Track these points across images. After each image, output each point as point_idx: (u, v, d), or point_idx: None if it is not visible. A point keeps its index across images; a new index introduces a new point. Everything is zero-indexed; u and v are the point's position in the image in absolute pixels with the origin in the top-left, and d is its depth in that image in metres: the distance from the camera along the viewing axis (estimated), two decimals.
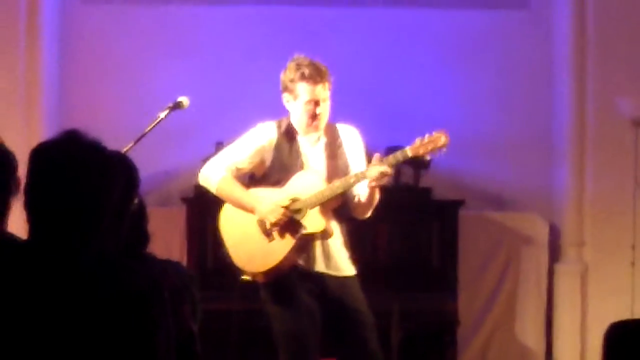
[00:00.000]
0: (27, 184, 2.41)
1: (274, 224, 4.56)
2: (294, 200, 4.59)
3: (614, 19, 6.76)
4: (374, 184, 4.49)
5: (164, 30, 6.96)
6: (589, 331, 6.69)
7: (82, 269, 2.33)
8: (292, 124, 4.67)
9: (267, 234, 4.59)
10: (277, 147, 4.66)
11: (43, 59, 6.73)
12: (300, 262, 4.60)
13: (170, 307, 2.38)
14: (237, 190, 4.65)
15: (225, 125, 5.94)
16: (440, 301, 6.24)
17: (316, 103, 4.58)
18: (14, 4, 6.66)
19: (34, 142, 2.47)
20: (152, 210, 3.42)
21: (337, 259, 4.64)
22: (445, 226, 6.44)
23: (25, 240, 2.43)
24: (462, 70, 6.96)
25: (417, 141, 4.52)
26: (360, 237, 4.96)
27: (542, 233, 6.82)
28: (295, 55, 4.65)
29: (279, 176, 4.65)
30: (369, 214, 4.68)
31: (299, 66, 4.58)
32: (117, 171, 2.45)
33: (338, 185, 4.55)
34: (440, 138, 4.52)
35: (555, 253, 6.89)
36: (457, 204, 6.51)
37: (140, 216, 3.25)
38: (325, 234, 4.59)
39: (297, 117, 4.64)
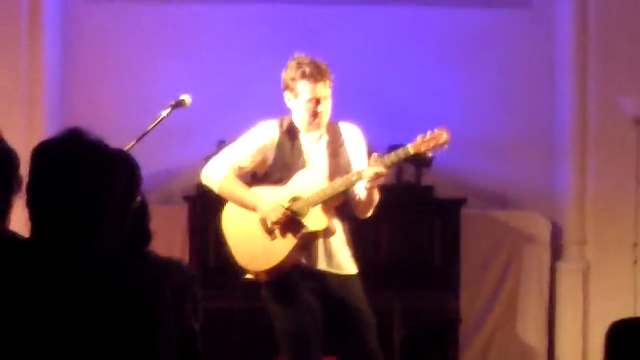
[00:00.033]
0: (29, 182, 2.41)
1: (275, 223, 4.56)
2: (295, 199, 4.59)
3: (615, 18, 6.76)
4: (369, 184, 4.49)
5: (165, 28, 6.96)
6: (590, 329, 6.69)
7: (84, 267, 2.33)
8: (293, 123, 4.67)
9: (269, 232, 4.59)
10: (279, 146, 4.66)
11: (45, 57, 6.74)
12: (302, 260, 4.60)
13: (172, 305, 2.38)
14: (239, 189, 4.65)
15: (227, 123, 5.95)
16: (442, 299, 6.25)
17: (317, 101, 4.59)
18: (16, 2, 6.66)
19: (36, 141, 2.47)
20: (154, 209, 3.42)
21: (339, 258, 4.64)
22: (447, 224, 6.44)
23: (27, 239, 2.43)
24: (464, 69, 6.96)
25: (419, 138, 4.52)
26: (361, 235, 4.96)
27: (544, 231, 6.82)
28: (296, 54, 4.65)
29: (281, 174, 4.65)
30: (369, 213, 4.68)
31: (299, 65, 4.59)
32: (119, 169, 2.45)
33: (340, 183, 4.55)
34: (442, 135, 4.52)
35: (557, 251, 6.89)
36: (459, 203, 6.51)
37: (142, 214, 3.25)
38: (327, 232, 4.59)
39: (299, 115, 4.64)
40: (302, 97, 4.59)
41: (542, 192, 6.94)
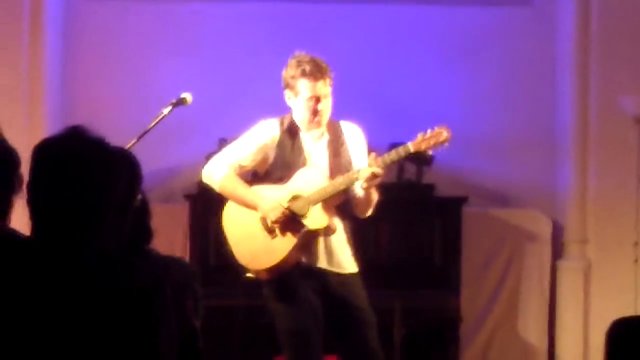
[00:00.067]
0: (30, 181, 2.41)
1: (275, 222, 4.56)
2: (296, 197, 4.59)
3: (617, 17, 6.76)
4: (365, 185, 4.48)
5: (166, 27, 6.96)
6: (591, 328, 6.69)
7: (85, 265, 2.33)
8: (294, 121, 4.68)
9: (270, 231, 4.59)
10: (280, 144, 4.66)
11: (46, 56, 6.74)
12: (303, 259, 4.60)
13: (173, 303, 2.38)
14: (239, 188, 4.65)
15: (228, 121, 5.95)
16: (442, 298, 6.24)
17: (317, 99, 4.59)
18: (17, 0, 6.66)
19: (37, 139, 2.47)
20: (155, 207, 3.42)
21: (340, 256, 4.64)
22: (448, 223, 6.44)
23: (28, 237, 2.43)
24: (465, 67, 6.96)
25: (419, 136, 4.52)
26: (362, 233, 4.95)
27: (545, 230, 6.82)
28: (297, 52, 4.65)
29: (281, 173, 4.65)
30: (369, 213, 4.67)
31: (299, 63, 4.59)
32: (121, 168, 2.45)
33: (340, 182, 4.55)
34: (442, 133, 4.52)
35: (558, 250, 6.89)
36: (459, 201, 6.51)
37: (143, 212, 3.26)
38: (327, 231, 4.59)
39: (299, 113, 4.64)
40: (302, 95, 4.59)
41: (543, 191, 6.94)
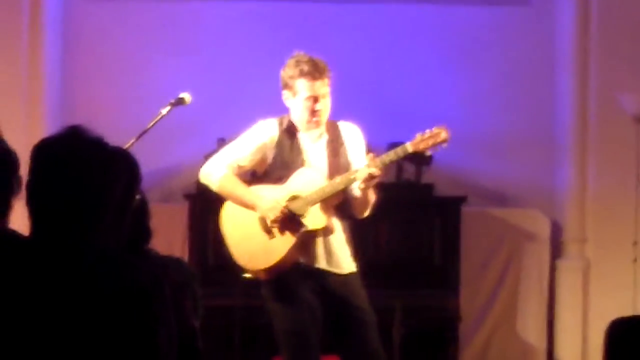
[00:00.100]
0: (29, 181, 2.41)
1: (274, 222, 4.56)
2: (294, 197, 4.59)
3: (616, 15, 6.76)
4: (362, 185, 4.48)
5: (165, 26, 6.96)
6: (590, 328, 6.69)
7: (84, 265, 2.33)
8: (293, 121, 4.67)
9: (268, 231, 4.59)
10: (279, 144, 4.66)
11: (45, 55, 6.74)
12: (302, 259, 4.60)
13: (172, 303, 2.38)
14: (238, 188, 4.64)
15: (227, 121, 5.95)
16: (442, 298, 6.25)
17: (315, 99, 4.58)
18: (16, 0, 6.67)
19: (36, 138, 2.47)
20: (155, 207, 3.42)
21: (339, 256, 4.63)
22: (447, 222, 6.44)
23: (27, 237, 2.43)
24: (464, 66, 6.96)
25: (418, 137, 4.51)
26: (361, 233, 4.96)
27: (544, 229, 6.83)
28: (295, 52, 4.65)
29: (280, 173, 4.65)
30: (367, 213, 4.67)
31: (297, 63, 4.58)
32: (120, 167, 2.45)
33: (339, 182, 4.54)
34: (441, 133, 4.51)
35: (557, 249, 6.90)
36: (459, 201, 6.51)
37: (142, 212, 3.25)
38: (326, 231, 4.59)
39: (298, 113, 4.63)
40: (300, 95, 4.59)
41: (542, 190, 6.95)
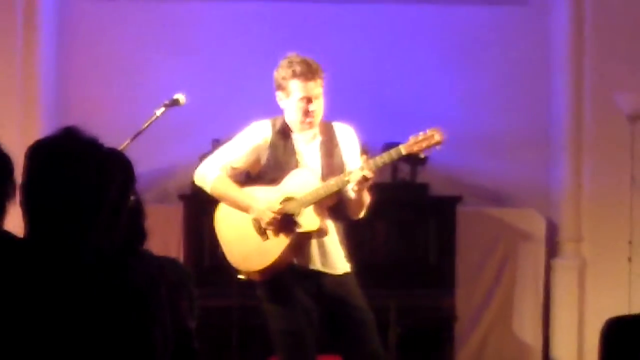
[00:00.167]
0: (24, 181, 2.41)
1: (268, 223, 4.55)
2: (288, 199, 4.58)
3: (612, 15, 6.77)
4: (355, 187, 4.48)
5: (161, 26, 6.95)
6: (586, 326, 6.70)
7: (79, 266, 2.33)
8: (286, 122, 4.66)
9: (262, 233, 4.58)
10: (272, 146, 4.65)
11: (40, 55, 6.73)
12: (296, 260, 4.59)
13: (168, 303, 2.38)
14: (231, 190, 4.63)
15: (222, 122, 5.94)
16: (437, 297, 6.24)
17: (309, 100, 4.57)
18: None
19: (32, 138, 2.47)
20: (150, 208, 3.40)
21: (333, 258, 4.62)
22: (443, 222, 6.44)
23: (22, 238, 2.43)
24: (460, 66, 6.96)
25: (411, 139, 4.50)
26: (357, 233, 4.95)
27: (539, 229, 6.83)
28: (288, 53, 4.64)
29: (274, 174, 4.64)
30: (361, 214, 4.66)
31: (290, 63, 4.57)
32: (114, 168, 2.45)
33: (333, 183, 4.53)
34: (434, 136, 4.50)
35: (552, 249, 6.90)
36: (454, 200, 6.51)
37: (137, 213, 3.24)
38: (320, 233, 4.58)
39: (291, 114, 4.62)
40: (293, 96, 4.58)
41: (538, 189, 6.95)
